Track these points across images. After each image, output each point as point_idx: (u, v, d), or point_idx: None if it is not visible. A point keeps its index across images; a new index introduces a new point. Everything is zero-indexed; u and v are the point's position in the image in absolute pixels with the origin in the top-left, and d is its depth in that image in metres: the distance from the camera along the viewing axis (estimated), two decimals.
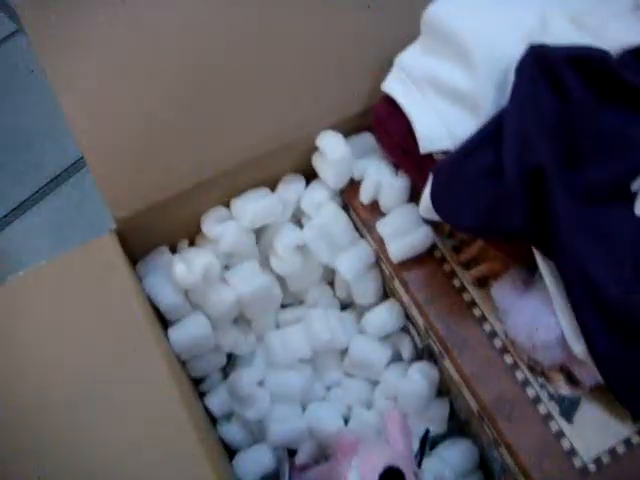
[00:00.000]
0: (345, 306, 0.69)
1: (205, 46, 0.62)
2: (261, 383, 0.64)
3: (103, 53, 0.60)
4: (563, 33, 0.53)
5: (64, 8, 0.60)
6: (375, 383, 0.66)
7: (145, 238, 0.62)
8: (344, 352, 0.66)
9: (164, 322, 0.62)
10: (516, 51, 0.51)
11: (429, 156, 0.56)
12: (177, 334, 0.60)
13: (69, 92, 0.58)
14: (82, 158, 0.92)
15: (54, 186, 0.91)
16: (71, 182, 0.91)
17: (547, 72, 0.50)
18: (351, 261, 0.63)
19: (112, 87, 0.60)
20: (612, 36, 0.52)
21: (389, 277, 0.63)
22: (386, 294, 0.66)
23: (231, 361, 0.67)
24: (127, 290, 0.55)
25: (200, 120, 0.60)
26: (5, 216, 0.89)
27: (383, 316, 0.64)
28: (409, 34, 0.60)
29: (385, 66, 0.61)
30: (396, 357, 0.66)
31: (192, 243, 0.66)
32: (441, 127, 0.55)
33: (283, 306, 0.68)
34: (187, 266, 0.60)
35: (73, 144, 0.91)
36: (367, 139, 0.64)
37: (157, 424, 0.49)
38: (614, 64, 0.50)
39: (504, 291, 0.56)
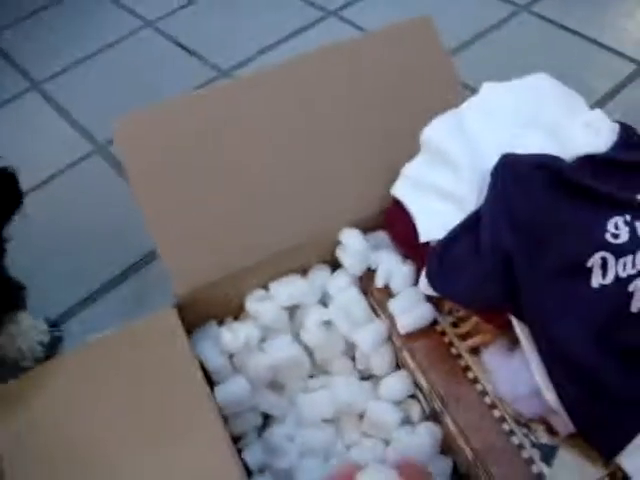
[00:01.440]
0: (364, 378, 0.81)
1: (253, 155, 0.78)
2: (291, 439, 0.75)
3: (180, 165, 0.76)
4: (533, 142, 0.67)
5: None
6: (388, 442, 0.76)
7: (197, 313, 0.76)
8: (363, 415, 0.77)
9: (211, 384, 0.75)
10: (492, 159, 0.66)
11: (428, 245, 0.70)
12: (222, 393, 0.72)
13: (149, 197, 0.74)
14: (142, 258, 1.08)
15: (119, 281, 1.07)
16: (133, 278, 1.07)
17: (515, 175, 0.64)
18: (368, 335, 0.75)
19: (182, 190, 0.75)
20: (570, 146, 0.67)
21: (399, 348, 0.75)
22: (398, 366, 0.78)
23: (266, 422, 0.79)
24: (184, 355, 0.68)
25: (246, 217, 0.76)
26: (74, 305, 1.04)
27: (395, 383, 0.76)
28: (414, 151, 0.76)
29: (395, 176, 0.76)
30: (407, 420, 0.77)
31: (236, 319, 0.79)
32: (436, 221, 0.69)
33: (311, 377, 0.80)
34: (233, 335, 0.73)
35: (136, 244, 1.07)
36: (381, 235, 0.78)
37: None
38: (568, 168, 0.64)
39: (491, 355, 0.68)
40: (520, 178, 0.64)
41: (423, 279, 0.68)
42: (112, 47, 1.52)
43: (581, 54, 1.36)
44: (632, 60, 1.34)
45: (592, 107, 0.74)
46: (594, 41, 1.38)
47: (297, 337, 0.78)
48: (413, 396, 0.77)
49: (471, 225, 0.65)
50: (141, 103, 1.34)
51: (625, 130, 0.70)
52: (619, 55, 1.35)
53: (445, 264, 0.65)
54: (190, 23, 1.56)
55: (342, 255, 0.78)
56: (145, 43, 1.52)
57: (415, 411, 0.76)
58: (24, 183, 0.82)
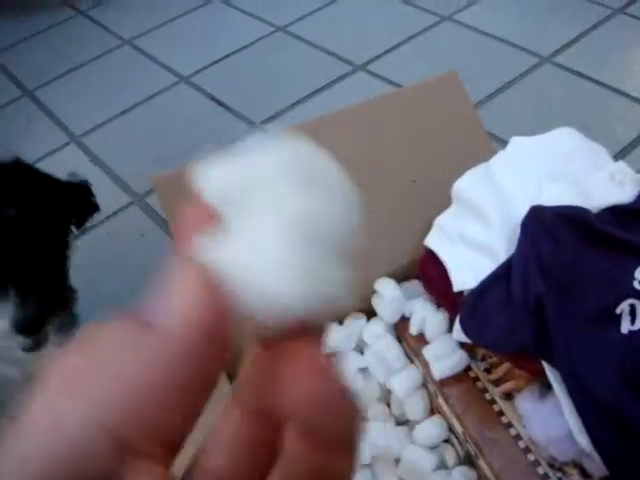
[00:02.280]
0: (400, 423, 0.83)
1: None
2: None
3: None
4: (560, 194, 0.70)
5: None
6: None
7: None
8: (399, 460, 0.79)
9: None
10: (522, 211, 0.69)
11: (461, 294, 0.73)
12: None
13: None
14: None
15: None
16: None
17: (543, 226, 0.67)
18: (403, 381, 0.78)
19: None
20: (595, 198, 0.70)
21: (433, 394, 0.77)
22: (432, 411, 0.80)
23: None
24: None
25: None
26: None
27: (430, 428, 0.78)
28: (445, 202, 0.79)
29: (427, 227, 0.79)
30: (442, 465, 0.79)
31: None
32: (468, 271, 0.72)
33: None
34: None
35: None
36: (415, 285, 0.81)
37: None
38: (594, 219, 0.66)
39: (524, 400, 0.70)
40: (548, 228, 0.67)
41: (457, 327, 0.70)
42: (147, 102, 1.59)
43: (604, 103, 1.39)
44: None
45: (617, 156, 0.77)
46: (617, 90, 1.42)
47: None
48: (448, 441, 0.79)
49: (502, 274, 0.67)
50: (176, 155, 1.40)
51: None
52: None
53: (477, 312, 0.67)
54: (223, 78, 1.63)
55: (377, 304, 0.81)
56: (179, 97, 1.59)
57: (450, 456, 0.78)
58: None
